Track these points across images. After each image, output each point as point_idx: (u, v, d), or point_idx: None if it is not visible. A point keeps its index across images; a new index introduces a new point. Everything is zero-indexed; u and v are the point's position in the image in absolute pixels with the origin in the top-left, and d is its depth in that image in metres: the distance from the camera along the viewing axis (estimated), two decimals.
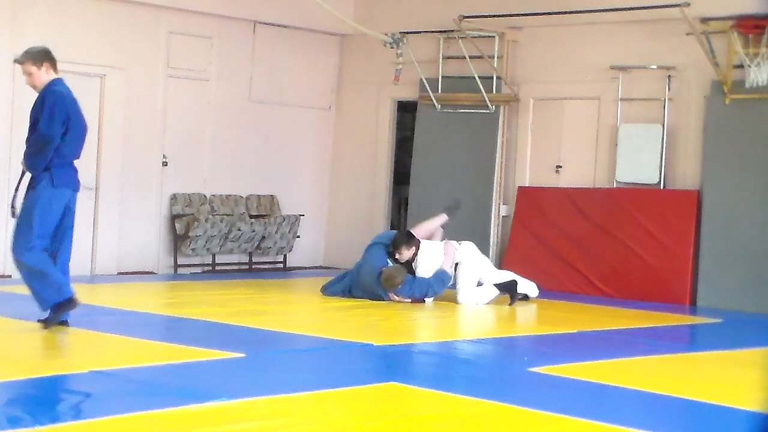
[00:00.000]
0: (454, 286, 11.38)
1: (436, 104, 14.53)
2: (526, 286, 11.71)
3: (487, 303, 11.35)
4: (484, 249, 13.91)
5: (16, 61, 8.76)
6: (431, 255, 11.36)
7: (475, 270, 11.48)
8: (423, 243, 11.47)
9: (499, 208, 14.10)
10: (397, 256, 11.29)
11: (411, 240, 11.35)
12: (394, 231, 12.18)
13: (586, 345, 8.96)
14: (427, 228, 11.86)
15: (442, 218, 12.01)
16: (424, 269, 11.26)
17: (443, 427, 5.87)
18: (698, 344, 10.25)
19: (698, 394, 6.99)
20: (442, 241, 11.70)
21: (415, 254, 11.31)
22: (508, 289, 11.41)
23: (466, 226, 14.07)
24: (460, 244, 11.57)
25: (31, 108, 8.57)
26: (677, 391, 7.02)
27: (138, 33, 13.68)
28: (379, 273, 11.16)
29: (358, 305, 10.95)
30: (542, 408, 6.23)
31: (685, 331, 10.80)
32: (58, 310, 8.40)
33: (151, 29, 13.82)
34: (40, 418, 5.45)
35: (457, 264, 11.40)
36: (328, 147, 15.98)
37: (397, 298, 11.14)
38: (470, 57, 14.00)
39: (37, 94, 8.54)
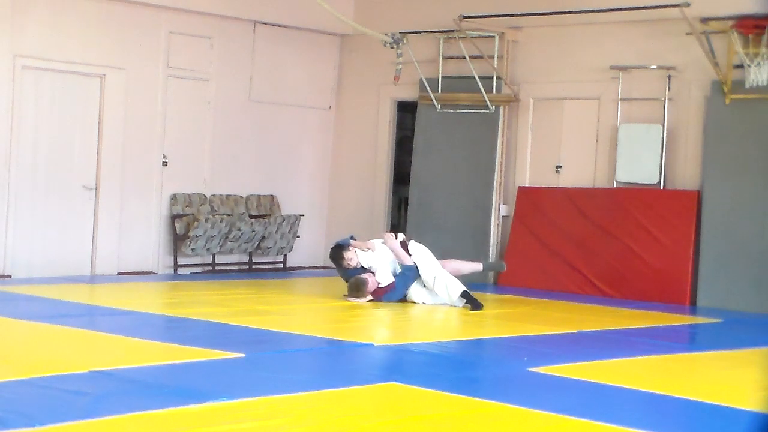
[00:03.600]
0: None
1: (436, 104, 14.52)
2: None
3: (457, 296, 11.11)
4: (484, 249, 13.96)
5: None
6: (380, 254, 11.40)
7: (431, 260, 11.34)
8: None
9: (499, 208, 14.09)
10: (348, 266, 11.32)
11: (340, 249, 11.39)
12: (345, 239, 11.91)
13: (586, 345, 8.95)
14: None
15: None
16: (382, 267, 11.29)
17: (443, 427, 5.87)
18: (698, 344, 10.24)
19: (698, 394, 6.98)
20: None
21: (355, 254, 11.33)
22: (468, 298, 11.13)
23: (467, 226, 14.09)
24: (402, 239, 11.55)
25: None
26: (677, 391, 7.01)
27: (138, 33, 13.68)
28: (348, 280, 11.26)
29: (358, 305, 10.95)
30: (542, 408, 6.22)
31: (685, 331, 10.79)
32: None
33: (151, 29, 13.83)
34: (41, 418, 5.45)
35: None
36: (328, 147, 15.98)
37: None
38: (470, 57, 13.99)
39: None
